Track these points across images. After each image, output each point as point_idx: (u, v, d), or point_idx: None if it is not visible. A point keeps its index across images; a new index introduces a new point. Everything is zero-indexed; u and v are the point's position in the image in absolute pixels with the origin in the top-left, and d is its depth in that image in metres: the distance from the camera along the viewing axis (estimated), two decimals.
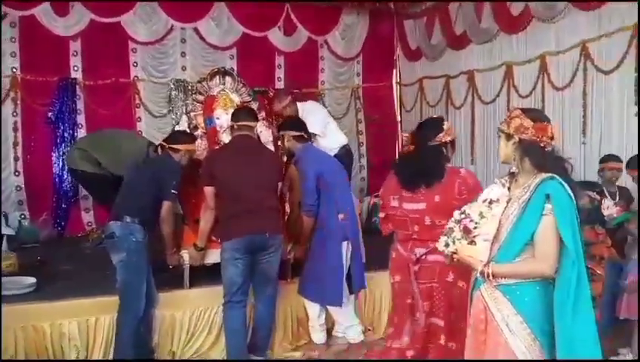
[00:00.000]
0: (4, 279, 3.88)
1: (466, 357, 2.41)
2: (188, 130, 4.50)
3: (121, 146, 5.24)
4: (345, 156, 5.38)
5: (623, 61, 5.04)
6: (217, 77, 4.72)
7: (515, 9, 6.04)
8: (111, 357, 3.71)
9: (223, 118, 4.55)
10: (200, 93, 4.69)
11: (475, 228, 2.23)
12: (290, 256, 4.27)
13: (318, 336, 4.29)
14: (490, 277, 2.20)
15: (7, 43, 6.60)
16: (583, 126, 5.43)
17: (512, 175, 2.35)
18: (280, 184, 3.97)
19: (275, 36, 7.83)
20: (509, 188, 2.32)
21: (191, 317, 3.99)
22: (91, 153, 5.40)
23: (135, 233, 3.61)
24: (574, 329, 2.07)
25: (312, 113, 5.25)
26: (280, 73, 8.00)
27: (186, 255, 4.02)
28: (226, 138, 4.38)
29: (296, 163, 4.22)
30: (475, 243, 2.23)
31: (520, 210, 2.20)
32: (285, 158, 4.54)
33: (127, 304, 3.58)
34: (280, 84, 7.88)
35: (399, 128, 8.52)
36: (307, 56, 8.07)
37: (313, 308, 4.24)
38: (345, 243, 4.05)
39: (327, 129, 5.33)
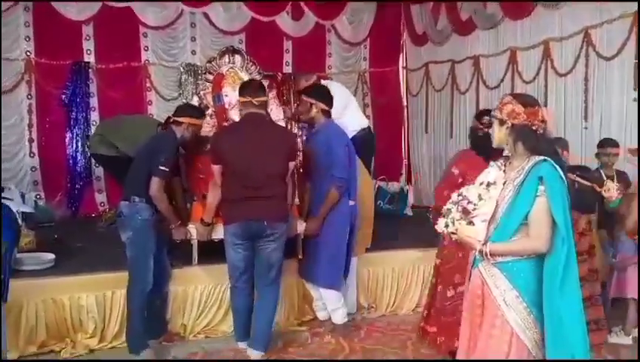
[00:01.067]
0: (24, 255, 4.07)
1: (462, 332, 2.52)
2: (209, 122, 4.46)
3: (134, 129, 5.39)
4: (366, 139, 5.36)
5: (624, 48, 5.13)
6: (227, 56, 4.74)
7: None
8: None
9: (231, 95, 4.47)
10: (210, 73, 4.70)
11: (474, 209, 2.32)
12: (300, 231, 4.15)
13: (323, 314, 4.34)
14: (488, 256, 2.30)
15: (22, 27, 6.78)
16: (585, 111, 5.53)
17: (506, 158, 2.45)
18: (292, 163, 3.80)
19: (283, 21, 7.94)
20: (504, 171, 2.42)
21: (202, 292, 4.15)
22: (108, 137, 5.61)
23: (141, 211, 3.66)
24: (562, 303, 2.19)
25: (334, 92, 5.29)
26: (288, 57, 8.12)
27: (193, 230, 4.02)
28: (234, 115, 4.30)
29: (313, 135, 4.17)
30: (474, 224, 2.32)
31: (515, 191, 2.30)
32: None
33: (135, 279, 3.69)
34: (288, 69, 8.01)
35: (405, 112, 8.63)
36: (315, 40, 8.18)
37: (314, 288, 4.27)
38: (348, 228, 4.09)
39: (348, 109, 5.21)
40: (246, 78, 4.51)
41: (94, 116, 7.16)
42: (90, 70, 7.09)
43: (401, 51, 8.65)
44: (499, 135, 2.41)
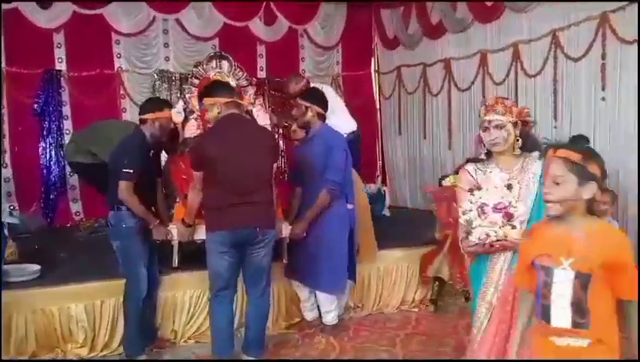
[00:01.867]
0: (9, 267, 4.03)
1: (491, 326, 2.51)
2: (181, 112, 4.48)
3: (109, 133, 5.30)
4: (356, 142, 5.36)
5: (591, 48, 5.35)
6: (214, 61, 4.74)
7: None
8: (117, 337, 3.91)
9: None
10: (196, 78, 4.69)
11: (515, 212, 2.32)
12: (286, 234, 4.11)
13: (311, 314, 4.39)
14: None
15: None
16: (554, 111, 5.73)
17: (479, 161, 2.57)
18: (275, 165, 3.78)
19: (256, 26, 7.98)
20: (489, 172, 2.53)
21: (191, 297, 4.17)
22: (83, 144, 5.54)
23: (125, 219, 3.63)
24: None
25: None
26: (262, 62, 8.16)
27: (174, 230, 3.93)
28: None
29: (309, 139, 4.15)
30: (516, 227, 2.30)
31: (537, 187, 2.43)
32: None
33: (128, 287, 3.70)
34: (262, 74, 8.05)
35: (379, 115, 8.76)
36: (288, 45, 8.23)
37: (303, 290, 4.29)
38: (348, 232, 4.10)
39: (337, 112, 5.16)
40: (233, 83, 4.48)
41: (67, 125, 7.08)
42: (62, 78, 7.01)
43: (373, 55, 8.79)
44: (510, 138, 2.48)
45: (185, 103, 4.65)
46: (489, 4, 6.31)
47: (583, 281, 1.92)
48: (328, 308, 4.22)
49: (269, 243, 3.59)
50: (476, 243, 2.35)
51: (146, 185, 3.73)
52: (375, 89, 8.82)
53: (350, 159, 4.17)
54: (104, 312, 3.93)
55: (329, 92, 5.26)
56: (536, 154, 2.45)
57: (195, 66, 4.81)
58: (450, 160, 7.20)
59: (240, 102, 3.67)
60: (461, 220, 2.37)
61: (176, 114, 4.18)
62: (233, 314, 3.69)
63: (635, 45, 4.89)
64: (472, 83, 6.83)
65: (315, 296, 4.33)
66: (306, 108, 4.06)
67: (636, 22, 4.85)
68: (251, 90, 4.76)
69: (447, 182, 3.99)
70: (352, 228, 4.13)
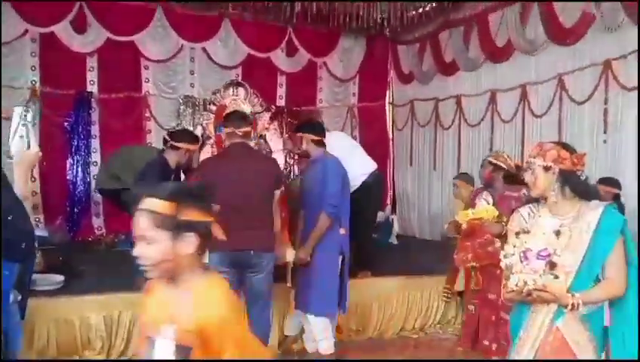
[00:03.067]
0: (36, 276, 4.31)
1: None
2: (199, 138, 4.63)
3: (134, 159, 5.54)
4: (377, 183, 5.49)
5: (594, 93, 5.60)
6: (231, 88, 5.04)
7: (500, 41, 6.60)
8: (131, 345, 4.18)
9: None
10: (214, 104, 4.98)
11: (558, 261, 2.19)
12: (290, 259, 4.20)
13: (311, 346, 4.26)
14: (581, 308, 2.20)
15: (28, 57, 7.10)
16: None
17: (534, 204, 2.44)
18: (278, 192, 3.85)
19: (278, 57, 8.35)
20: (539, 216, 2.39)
21: None
22: (111, 170, 5.89)
23: None
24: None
25: (338, 138, 5.29)
26: (281, 91, 8.51)
27: None
28: None
29: (311, 164, 4.22)
30: (559, 277, 2.18)
31: (590, 238, 2.26)
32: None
33: None
34: (281, 102, 8.39)
35: (391, 145, 9.04)
36: (307, 76, 8.60)
37: (306, 319, 4.20)
38: (340, 257, 4.14)
39: (355, 155, 5.29)
40: (248, 109, 4.72)
41: (95, 144, 7.48)
42: (92, 99, 7.42)
43: (388, 88, 9.12)
44: (545, 182, 2.33)
45: (203, 129, 4.90)
46: (500, 45, 6.60)
47: (182, 356, 1.58)
48: (322, 335, 4.16)
49: (266, 268, 3.70)
50: (513, 291, 2.21)
51: None
52: (389, 121, 9.13)
53: (348, 189, 4.27)
54: (121, 322, 4.21)
55: (343, 137, 5.43)
56: (595, 202, 2.32)
57: (214, 93, 5.07)
58: None
59: (247, 130, 3.81)
60: (502, 264, 2.26)
61: (206, 153, 4.55)
62: None
63: (635, 92, 5.14)
64: (482, 119, 7.11)
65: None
66: (301, 138, 4.17)
67: (637, 70, 5.12)
68: (266, 116, 4.96)
69: (462, 218, 3.99)
70: (344, 254, 4.15)
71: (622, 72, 5.33)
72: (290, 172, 4.86)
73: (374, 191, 5.41)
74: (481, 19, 6.86)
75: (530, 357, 2.31)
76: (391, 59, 8.93)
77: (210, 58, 7.92)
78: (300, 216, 4.30)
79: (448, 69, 7.56)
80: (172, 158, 4.03)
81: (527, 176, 2.39)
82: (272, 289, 3.87)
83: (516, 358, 2.37)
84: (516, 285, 2.18)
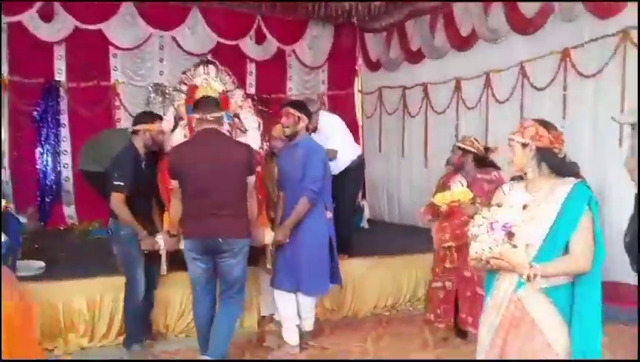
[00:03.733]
0: (18, 262, 4.34)
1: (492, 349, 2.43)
2: (171, 120, 4.51)
3: (114, 143, 5.21)
4: (360, 166, 5.60)
5: (553, 80, 5.87)
6: (201, 67, 4.73)
7: (464, 30, 6.83)
8: (114, 328, 4.30)
9: None
10: (184, 84, 4.70)
11: (517, 232, 2.24)
12: (268, 241, 4.22)
13: (295, 338, 4.26)
14: (539, 278, 2.21)
15: None
16: None
17: (517, 180, 2.50)
18: (252, 178, 3.76)
19: (247, 45, 8.44)
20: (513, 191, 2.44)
21: (182, 296, 4.54)
22: (92, 154, 5.92)
23: (122, 227, 3.91)
24: (593, 312, 2.30)
25: (335, 127, 5.31)
26: (251, 79, 8.61)
27: (161, 240, 4.07)
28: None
29: (292, 148, 4.21)
30: (517, 247, 2.23)
31: (558, 212, 2.30)
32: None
33: (127, 288, 4.03)
34: (251, 90, 8.48)
35: (361, 133, 9.24)
36: (276, 63, 8.71)
37: (288, 309, 4.22)
38: (328, 238, 4.21)
39: (345, 141, 5.35)
40: (220, 88, 4.61)
41: (65, 132, 7.46)
42: (61, 88, 7.38)
43: (357, 76, 9.29)
44: (522, 159, 2.39)
45: (175, 110, 4.70)
46: (465, 34, 6.84)
47: None
48: (308, 314, 4.31)
49: (238, 253, 3.67)
50: (474, 258, 2.31)
51: (140, 196, 3.97)
52: (358, 108, 9.31)
53: (329, 171, 4.34)
54: (103, 305, 4.31)
55: (337, 121, 5.43)
56: (569, 179, 2.35)
57: (184, 72, 4.86)
58: (425, 178, 7.67)
59: (217, 116, 3.75)
60: (469, 233, 2.34)
61: (166, 122, 4.35)
62: (211, 315, 3.78)
63: (592, 79, 5.44)
64: (448, 106, 7.34)
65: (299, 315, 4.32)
66: (298, 118, 4.16)
67: (594, 58, 5.42)
68: (239, 93, 4.78)
69: (440, 200, 4.00)
70: (331, 236, 4.23)
71: (579, 60, 5.60)
72: (269, 151, 4.80)
73: (356, 175, 5.53)
74: (445, 9, 7.06)
75: (496, 324, 2.37)
76: (359, 47, 9.10)
77: (179, 46, 7.96)
78: (281, 197, 4.34)
79: (415, 57, 7.77)
80: (138, 143, 4.03)
81: (509, 153, 2.45)
82: (247, 274, 3.86)
83: (484, 322, 2.46)
84: (475, 252, 2.28)
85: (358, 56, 9.21)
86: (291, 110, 4.20)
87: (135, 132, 4.04)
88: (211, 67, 4.82)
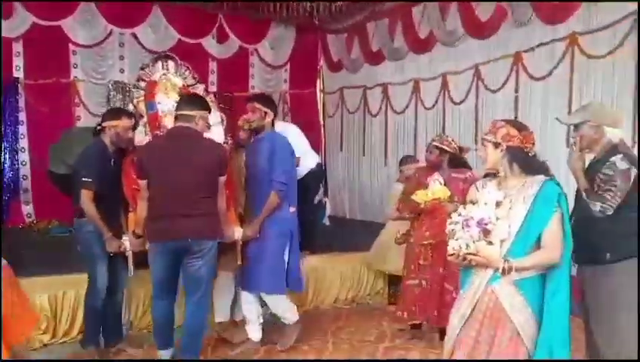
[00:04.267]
0: None
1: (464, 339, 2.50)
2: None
3: (80, 144, 4.91)
4: (320, 173, 5.70)
5: (506, 83, 6.14)
6: (160, 62, 4.62)
7: (422, 33, 7.04)
8: (76, 325, 4.30)
9: (164, 102, 4.39)
10: (142, 80, 4.56)
11: (493, 229, 2.34)
12: (238, 237, 4.13)
13: (258, 335, 4.29)
14: (513, 272, 2.34)
15: None
16: (475, 136, 6.48)
17: (490, 178, 2.57)
18: (223, 178, 3.67)
19: (209, 43, 8.47)
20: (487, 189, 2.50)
21: (145, 293, 4.52)
22: (61, 155, 5.84)
23: (85, 225, 3.82)
24: (563, 307, 2.39)
25: (295, 133, 5.23)
26: (213, 77, 8.64)
27: (127, 242, 3.97)
28: (168, 123, 4.18)
29: (257, 142, 4.14)
30: (493, 244, 2.34)
31: (528, 209, 2.39)
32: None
33: (89, 287, 3.92)
34: (213, 88, 8.49)
35: (322, 131, 9.39)
36: (238, 62, 8.77)
37: (252, 310, 4.22)
38: (289, 236, 4.15)
39: (306, 152, 5.34)
40: (180, 83, 4.53)
41: (23, 130, 7.36)
42: (19, 85, 7.28)
43: (319, 76, 9.43)
44: (493, 158, 2.49)
45: (134, 107, 4.55)
46: (423, 36, 7.05)
47: None
48: (281, 308, 4.25)
49: (207, 254, 3.59)
50: (452, 254, 2.39)
51: (107, 194, 3.84)
52: (320, 107, 9.45)
53: (294, 166, 4.31)
54: (65, 302, 4.31)
55: (296, 130, 5.37)
56: (539, 177, 2.44)
57: (142, 68, 4.69)
58: (385, 175, 7.89)
59: (191, 114, 3.59)
60: (446, 230, 2.43)
61: (139, 133, 4.25)
62: (171, 314, 3.74)
63: (541, 82, 5.71)
64: (407, 107, 7.57)
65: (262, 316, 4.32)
66: (265, 113, 4.08)
67: (544, 62, 5.69)
68: (200, 88, 4.71)
69: (421, 197, 4.07)
70: (293, 232, 4.18)
71: (530, 63, 5.88)
72: (235, 143, 4.67)
73: (315, 182, 5.69)
74: (404, 12, 7.27)
75: (467, 315, 2.46)
76: (320, 47, 9.24)
77: (140, 43, 7.93)
78: (247, 194, 4.30)
79: (375, 58, 7.95)
80: (107, 140, 3.93)
81: (481, 151, 2.55)
82: (212, 277, 3.82)
83: (455, 313, 2.52)
84: (453, 249, 2.37)
85: (319, 56, 9.35)
86: (257, 105, 4.11)
87: (102, 129, 3.94)
88: (170, 62, 4.70)
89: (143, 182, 3.58)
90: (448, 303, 3.87)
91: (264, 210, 4.00)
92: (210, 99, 4.62)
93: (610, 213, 2.82)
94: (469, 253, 2.34)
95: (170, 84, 4.55)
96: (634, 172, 2.83)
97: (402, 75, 7.60)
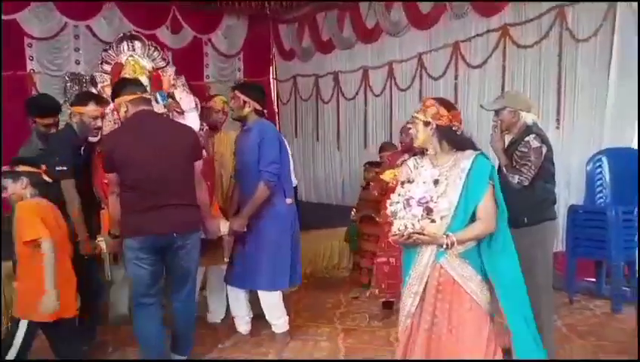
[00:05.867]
0: None
1: (419, 318, 2.58)
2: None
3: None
4: None
5: (447, 70, 6.64)
6: (125, 42, 4.29)
7: (370, 23, 7.47)
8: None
9: None
10: (107, 63, 4.21)
11: (435, 207, 2.40)
12: (224, 231, 3.87)
13: (247, 327, 4.17)
14: (456, 246, 2.44)
15: None
16: None
17: (419, 156, 2.69)
18: (199, 163, 3.42)
19: (163, 34, 8.65)
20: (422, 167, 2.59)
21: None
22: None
23: None
24: (507, 264, 2.56)
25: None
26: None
27: (102, 243, 3.64)
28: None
29: (244, 132, 3.90)
30: (435, 221, 2.40)
31: (463, 185, 2.49)
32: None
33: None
34: None
35: (277, 118, 9.73)
36: (193, 52, 8.97)
37: (241, 306, 4.09)
38: (290, 227, 3.93)
39: None
40: (148, 65, 4.20)
41: None
42: None
43: (272, 64, 9.75)
44: (423, 136, 2.58)
45: (99, 93, 4.21)
46: (370, 26, 7.47)
47: None
48: (277, 313, 3.96)
49: (192, 248, 3.34)
50: (396, 234, 2.43)
51: (78, 189, 3.50)
52: (274, 95, 9.78)
53: (288, 155, 4.12)
54: None
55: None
56: (469, 152, 2.53)
57: (105, 50, 4.31)
58: (338, 159, 8.35)
59: (148, 97, 3.37)
60: (388, 211, 2.48)
61: (107, 121, 4.00)
62: (160, 324, 3.37)
63: (478, 70, 6.24)
64: (357, 93, 8.01)
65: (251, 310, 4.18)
66: (244, 102, 3.83)
67: (480, 51, 6.21)
68: (171, 71, 4.35)
69: (388, 177, 4.24)
70: (294, 225, 3.97)
71: (467, 52, 6.39)
72: (211, 127, 4.42)
73: None
74: (352, 4, 7.66)
75: (420, 292, 2.55)
76: (272, 36, 9.55)
77: (95, 35, 8.06)
78: (234, 186, 4.11)
79: (326, 47, 8.34)
80: (77, 127, 3.61)
81: (412, 129, 2.66)
82: (197, 268, 3.55)
83: (408, 293, 2.59)
84: (398, 229, 2.42)
85: (272, 46, 9.66)
86: (237, 93, 3.88)
87: (71, 115, 3.62)
88: (137, 42, 4.37)
89: (111, 176, 3.25)
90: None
91: (251, 201, 3.75)
92: (182, 81, 4.43)
93: (526, 183, 3.32)
94: (415, 232, 2.39)
95: (138, 66, 4.25)
96: (544, 149, 3.34)
97: (352, 63, 8.02)
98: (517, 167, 3.35)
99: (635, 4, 4.87)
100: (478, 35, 6.27)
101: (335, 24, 8.01)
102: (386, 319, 4.54)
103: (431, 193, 2.41)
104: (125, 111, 3.30)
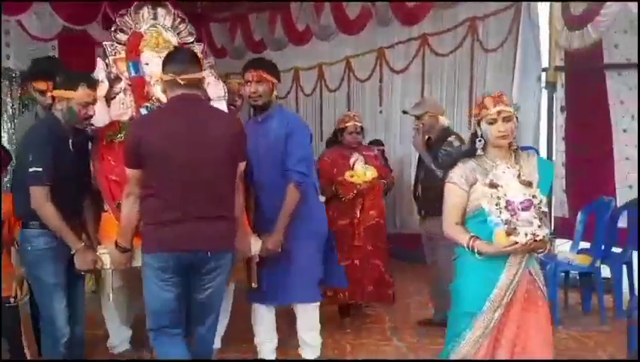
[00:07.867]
0: None
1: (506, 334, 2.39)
2: (105, 82, 3.37)
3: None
4: None
5: (373, 73, 7.23)
6: (145, 9, 3.46)
7: (300, 26, 7.88)
8: None
9: (153, 62, 3.27)
10: (122, 31, 3.43)
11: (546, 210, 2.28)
12: (255, 252, 3.13)
13: (274, 355, 3.48)
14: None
15: None
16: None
17: (467, 157, 2.49)
18: (243, 164, 2.82)
19: (94, 30, 8.68)
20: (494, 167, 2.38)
21: None
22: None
23: (32, 239, 2.82)
24: None
25: None
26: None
27: (106, 256, 2.88)
28: (158, 91, 3.15)
29: (262, 122, 3.24)
30: (542, 225, 2.24)
31: (537, 182, 2.37)
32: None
33: (43, 327, 2.96)
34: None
35: None
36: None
37: (272, 327, 3.43)
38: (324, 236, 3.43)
39: None
40: (173, 40, 3.42)
41: None
42: None
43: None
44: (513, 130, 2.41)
45: (107, 67, 3.47)
46: (300, 29, 7.90)
47: None
48: (312, 335, 3.37)
49: (224, 272, 2.70)
50: (517, 243, 2.19)
51: (67, 190, 2.83)
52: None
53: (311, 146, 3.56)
54: None
55: None
56: (525, 152, 2.46)
57: (121, 16, 3.50)
58: None
59: (194, 77, 2.63)
60: (496, 220, 2.20)
61: (119, 103, 3.26)
62: (189, 354, 2.71)
63: (400, 75, 6.87)
64: (287, 93, 8.41)
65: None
66: (273, 85, 3.21)
67: (402, 57, 6.83)
68: (198, 48, 3.53)
69: (356, 179, 4.19)
70: (326, 225, 3.47)
71: (391, 58, 7.01)
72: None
73: None
74: (283, 6, 7.98)
75: (504, 303, 2.34)
76: (204, 34, 9.75)
77: (25, 31, 8.01)
78: (250, 192, 3.26)
79: (257, 47, 8.60)
80: (60, 116, 2.89)
81: (505, 126, 2.34)
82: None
83: (489, 307, 2.36)
84: (527, 241, 2.17)
85: (203, 43, 9.82)
86: (264, 74, 3.16)
87: (53, 101, 2.92)
88: (160, 10, 3.50)
89: (133, 173, 2.60)
90: (377, 279, 4.31)
91: (283, 211, 3.10)
92: (210, 63, 3.68)
93: None
94: (535, 240, 2.19)
95: (162, 38, 3.44)
96: (464, 147, 3.80)
97: (284, 63, 8.30)
98: (441, 162, 3.84)
99: None
100: (400, 42, 6.88)
101: (266, 25, 8.37)
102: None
103: (530, 195, 2.20)
104: (164, 91, 2.75)
